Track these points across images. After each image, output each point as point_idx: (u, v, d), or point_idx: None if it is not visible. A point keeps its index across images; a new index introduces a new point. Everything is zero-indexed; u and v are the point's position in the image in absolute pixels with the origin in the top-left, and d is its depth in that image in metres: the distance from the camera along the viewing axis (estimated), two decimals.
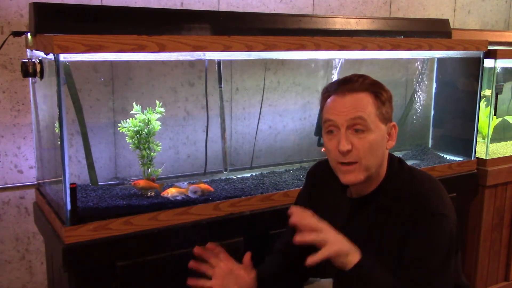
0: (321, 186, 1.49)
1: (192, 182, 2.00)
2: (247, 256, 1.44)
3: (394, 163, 1.38)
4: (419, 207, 1.26)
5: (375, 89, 1.31)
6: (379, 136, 1.30)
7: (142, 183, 1.81)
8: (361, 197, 1.37)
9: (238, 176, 2.17)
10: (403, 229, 1.26)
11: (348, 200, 1.41)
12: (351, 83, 1.31)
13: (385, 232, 1.30)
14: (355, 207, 1.39)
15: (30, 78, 1.83)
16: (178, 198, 1.78)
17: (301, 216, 1.28)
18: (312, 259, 1.22)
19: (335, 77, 2.39)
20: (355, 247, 1.26)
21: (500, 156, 2.61)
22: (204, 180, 2.01)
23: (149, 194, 1.81)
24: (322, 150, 2.23)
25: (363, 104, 1.29)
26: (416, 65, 2.71)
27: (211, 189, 1.88)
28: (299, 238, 1.26)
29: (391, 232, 1.28)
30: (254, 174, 2.21)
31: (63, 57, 1.50)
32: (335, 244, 1.23)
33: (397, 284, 1.23)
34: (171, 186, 1.89)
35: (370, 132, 1.28)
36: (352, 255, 1.24)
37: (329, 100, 1.33)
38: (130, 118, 1.82)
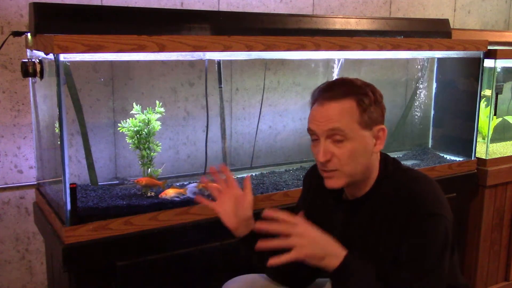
0: (317, 189, 1.48)
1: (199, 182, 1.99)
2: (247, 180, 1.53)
3: (389, 164, 1.37)
4: (415, 206, 1.25)
5: (357, 94, 1.27)
6: (360, 144, 1.28)
7: (144, 180, 1.81)
8: (356, 199, 1.37)
9: (238, 176, 2.16)
10: (398, 229, 1.25)
11: (343, 202, 1.41)
12: (330, 91, 1.29)
13: (381, 233, 1.29)
14: (350, 209, 1.38)
15: (30, 78, 1.83)
16: (176, 199, 1.78)
17: (270, 222, 1.24)
18: (274, 260, 1.19)
19: (335, 77, 2.39)
20: (337, 250, 1.24)
21: (500, 156, 2.61)
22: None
23: (149, 194, 1.81)
24: None
25: (341, 113, 1.26)
26: (416, 65, 2.71)
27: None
28: (259, 245, 1.22)
29: (387, 233, 1.27)
30: (254, 174, 2.20)
31: (63, 57, 1.50)
32: (305, 249, 1.21)
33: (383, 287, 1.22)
34: (171, 186, 1.89)
35: (350, 140, 1.26)
36: (330, 259, 1.22)
37: (312, 107, 1.32)
38: (130, 118, 1.82)
